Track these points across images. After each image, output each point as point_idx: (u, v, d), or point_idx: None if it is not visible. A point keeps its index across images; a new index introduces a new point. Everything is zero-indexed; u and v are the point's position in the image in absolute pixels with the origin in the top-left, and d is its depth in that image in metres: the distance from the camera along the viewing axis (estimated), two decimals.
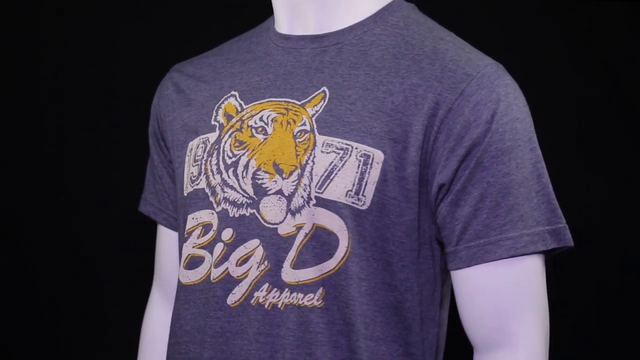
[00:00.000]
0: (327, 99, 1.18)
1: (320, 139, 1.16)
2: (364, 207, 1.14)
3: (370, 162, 1.14)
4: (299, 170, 1.16)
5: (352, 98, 1.17)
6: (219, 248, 1.19)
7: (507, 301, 1.12)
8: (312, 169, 1.16)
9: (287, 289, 1.15)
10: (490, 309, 1.14)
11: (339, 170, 1.15)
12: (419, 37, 1.20)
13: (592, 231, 2.19)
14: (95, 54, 2.33)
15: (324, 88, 1.20)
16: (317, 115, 1.18)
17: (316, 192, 1.15)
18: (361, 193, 1.14)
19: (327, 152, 1.16)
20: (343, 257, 1.14)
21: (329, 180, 1.15)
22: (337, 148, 1.16)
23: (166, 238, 1.44)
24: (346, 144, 1.15)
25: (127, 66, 2.33)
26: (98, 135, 2.34)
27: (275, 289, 1.15)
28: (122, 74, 2.33)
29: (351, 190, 1.14)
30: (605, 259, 2.20)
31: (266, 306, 1.16)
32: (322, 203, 1.15)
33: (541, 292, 1.14)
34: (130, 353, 1.72)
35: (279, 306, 1.15)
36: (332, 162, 1.15)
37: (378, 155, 1.14)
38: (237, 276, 1.17)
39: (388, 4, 1.25)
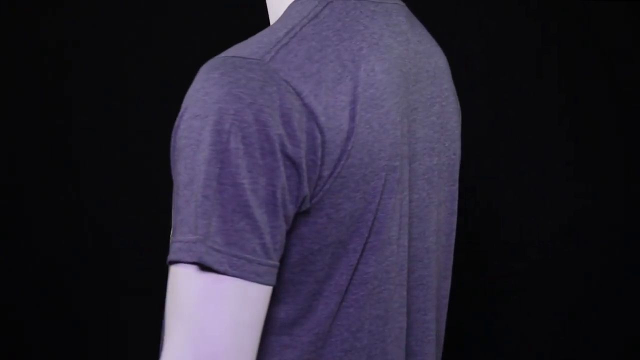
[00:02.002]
0: None
1: None
2: None
3: None
4: None
5: None
6: None
7: (167, 309, 1.04)
8: None
9: None
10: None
11: None
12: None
13: (591, 231, 2.19)
14: (95, 53, 2.34)
15: None
16: None
17: None
18: None
19: None
20: None
21: None
22: None
23: None
24: None
25: (128, 66, 2.33)
26: (98, 135, 2.34)
27: None
28: (123, 74, 2.34)
29: None
30: (605, 259, 2.20)
31: None
32: None
33: (194, 307, 1.01)
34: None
35: None
36: None
37: None
38: None
39: None
